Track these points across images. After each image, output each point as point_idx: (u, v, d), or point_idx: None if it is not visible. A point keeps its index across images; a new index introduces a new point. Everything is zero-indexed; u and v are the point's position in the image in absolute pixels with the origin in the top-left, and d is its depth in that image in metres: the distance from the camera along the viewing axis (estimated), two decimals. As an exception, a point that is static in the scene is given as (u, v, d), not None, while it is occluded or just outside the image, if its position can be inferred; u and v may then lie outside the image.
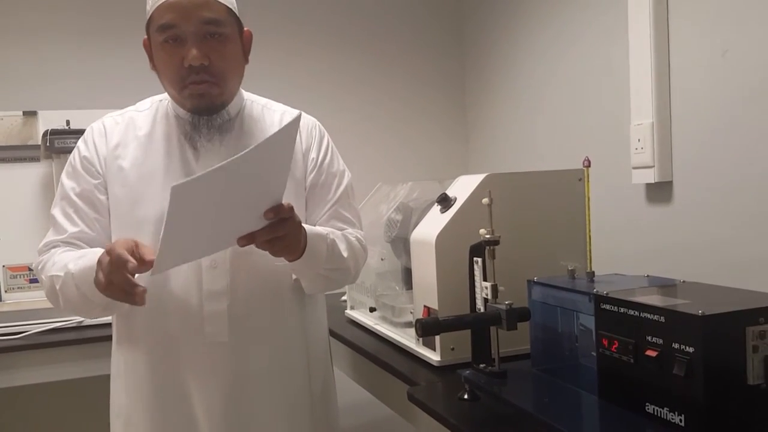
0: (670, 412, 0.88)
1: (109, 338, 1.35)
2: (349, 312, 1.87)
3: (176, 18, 1.16)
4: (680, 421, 0.86)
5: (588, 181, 1.12)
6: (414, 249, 1.43)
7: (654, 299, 0.95)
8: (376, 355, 1.49)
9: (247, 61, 1.30)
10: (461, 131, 2.89)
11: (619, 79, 1.91)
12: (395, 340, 1.53)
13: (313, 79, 2.68)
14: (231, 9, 1.23)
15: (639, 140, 1.81)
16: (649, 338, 0.91)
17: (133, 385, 1.27)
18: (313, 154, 1.35)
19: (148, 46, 1.25)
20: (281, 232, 1.09)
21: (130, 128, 1.29)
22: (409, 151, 2.79)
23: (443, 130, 2.87)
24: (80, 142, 1.30)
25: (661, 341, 0.89)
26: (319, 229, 1.25)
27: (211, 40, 1.18)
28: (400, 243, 1.60)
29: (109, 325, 1.36)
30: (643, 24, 1.78)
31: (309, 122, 1.39)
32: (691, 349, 0.85)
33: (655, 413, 0.91)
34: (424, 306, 1.38)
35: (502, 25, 2.59)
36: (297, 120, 1.04)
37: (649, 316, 0.91)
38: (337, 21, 2.71)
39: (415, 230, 1.44)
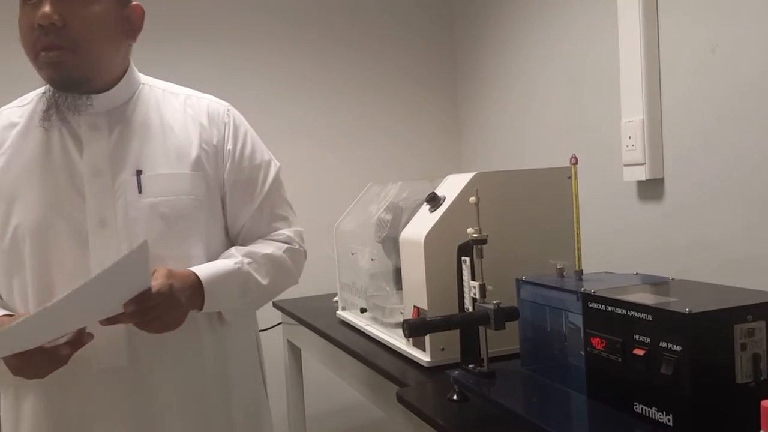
0: (658, 411, 0.87)
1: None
2: (340, 313, 1.85)
3: None
4: (668, 420, 0.85)
5: (576, 178, 1.11)
6: (403, 249, 1.41)
7: (642, 297, 0.95)
8: (365, 356, 1.48)
9: (131, 38, 1.13)
10: (454, 129, 2.88)
11: (609, 76, 1.90)
12: (385, 340, 1.52)
13: (304, 78, 2.66)
14: None
15: (630, 137, 1.81)
16: (636, 337, 0.90)
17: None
18: (228, 146, 1.18)
19: None
20: (150, 316, 0.97)
21: (6, 127, 1.12)
22: (402, 149, 2.78)
23: (435, 129, 2.85)
24: None
25: (648, 340, 0.88)
26: (224, 265, 1.10)
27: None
28: (391, 243, 1.59)
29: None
30: (632, 20, 1.77)
31: (218, 108, 1.21)
32: (678, 348, 0.84)
33: (644, 413, 0.90)
34: (414, 306, 1.37)
35: (492, 23, 2.58)
36: (144, 247, 0.90)
37: (636, 314, 0.90)
38: (328, 20, 2.70)
39: (404, 230, 1.43)
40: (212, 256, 1.15)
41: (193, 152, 1.14)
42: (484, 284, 1.14)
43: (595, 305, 0.98)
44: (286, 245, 1.22)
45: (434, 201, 1.37)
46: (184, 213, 1.11)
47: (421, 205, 1.46)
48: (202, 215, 1.13)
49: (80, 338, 0.97)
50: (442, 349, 1.32)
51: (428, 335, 1.30)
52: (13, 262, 1.08)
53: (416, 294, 1.36)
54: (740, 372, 0.84)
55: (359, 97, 2.74)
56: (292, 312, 2.04)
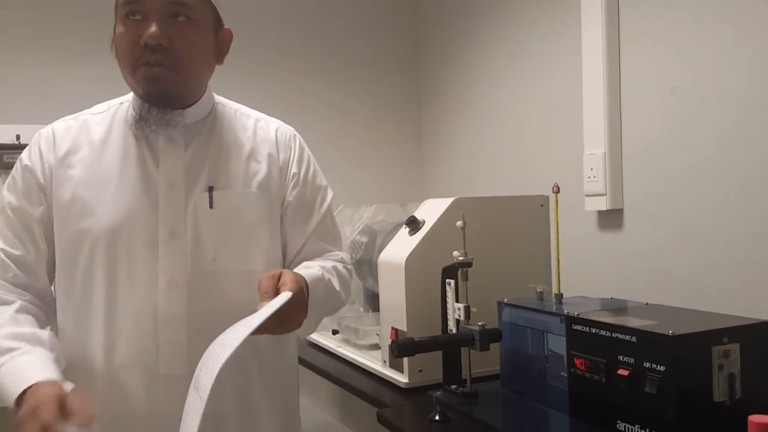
0: (641, 429, 0.92)
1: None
2: (310, 335, 1.84)
3: None
4: (652, 437, 0.90)
5: (557, 206, 1.16)
6: (382, 271, 1.43)
7: (624, 320, 1.00)
8: (341, 378, 1.48)
9: (219, 61, 1.20)
10: (417, 155, 2.94)
11: (573, 110, 1.99)
12: (360, 362, 1.53)
13: (273, 102, 2.66)
14: None
15: (592, 169, 1.89)
16: (620, 358, 0.95)
17: None
18: (294, 170, 1.24)
19: (113, 29, 1.13)
20: (285, 318, 0.98)
21: (83, 132, 1.17)
22: (367, 174, 2.81)
23: (400, 155, 2.91)
24: (25, 150, 1.18)
25: (632, 360, 0.93)
26: (315, 273, 1.13)
27: (176, 21, 1.07)
28: (365, 265, 1.61)
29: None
30: (596, 61, 1.86)
31: (286, 132, 1.28)
32: (662, 368, 0.89)
33: (627, 431, 0.94)
34: (392, 328, 1.38)
35: (456, 53, 2.66)
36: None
37: (620, 336, 0.95)
38: (297, 46, 2.73)
39: (383, 252, 1.45)
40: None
41: (261, 173, 1.19)
42: (469, 306, 1.17)
43: (579, 327, 1.02)
44: (342, 264, 1.26)
45: (414, 224, 1.40)
46: (249, 230, 1.16)
47: (397, 228, 1.49)
48: (264, 233, 1.18)
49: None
50: (420, 371, 1.34)
51: (407, 357, 1.32)
52: (76, 262, 1.11)
53: (395, 316, 1.38)
54: (717, 391, 0.90)
55: (325, 120, 2.77)
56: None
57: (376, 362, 1.47)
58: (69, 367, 1.11)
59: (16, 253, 1.12)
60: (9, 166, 1.94)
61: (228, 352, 0.87)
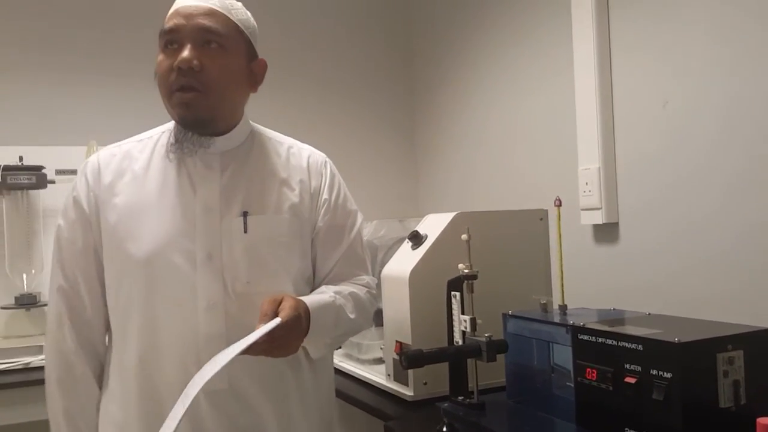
0: (649, 435, 0.94)
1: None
2: (309, 350, 1.85)
3: (178, 22, 1.14)
4: (660, 443, 0.92)
5: (559, 219, 1.19)
6: (385, 285, 1.45)
7: (629, 329, 1.02)
8: (344, 392, 1.49)
9: (254, 89, 1.25)
10: (412, 171, 2.97)
11: (567, 125, 2.03)
12: (363, 376, 1.54)
13: (266, 117, 2.68)
14: (240, 28, 1.18)
15: (587, 183, 1.92)
16: (627, 366, 0.97)
17: None
18: (325, 196, 1.27)
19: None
20: (277, 344, 1.04)
21: (126, 161, 1.22)
22: (361, 189, 2.81)
23: (394, 170, 2.93)
24: (75, 180, 1.24)
25: (639, 368, 0.95)
26: (324, 298, 1.17)
27: (208, 48, 1.14)
28: (367, 280, 1.62)
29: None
30: (588, 76, 1.90)
31: (318, 160, 1.32)
32: (669, 375, 0.91)
33: (635, 438, 0.96)
34: (396, 341, 1.40)
35: (449, 68, 2.70)
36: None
37: (627, 344, 0.97)
38: (291, 62, 2.76)
39: (386, 267, 1.47)
40: (298, 295, 1.18)
41: (293, 199, 1.23)
42: (475, 318, 1.18)
43: (585, 337, 1.04)
44: (366, 289, 1.28)
45: (417, 239, 1.42)
46: (280, 254, 1.20)
47: (398, 243, 1.51)
48: (294, 257, 1.21)
49: None
50: (425, 384, 1.35)
51: (413, 369, 1.33)
52: (120, 285, 1.17)
53: (399, 329, 1.39)
54: (723, 397, 0.92)
55: (319, 135, 2.77)
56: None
57: (379, 376, 1.48)
58: (111, 387, 1.19)
59: (67, 285, 1.19)
60: (12, 187, 1.96)
61: (215, 369, 0.93)
